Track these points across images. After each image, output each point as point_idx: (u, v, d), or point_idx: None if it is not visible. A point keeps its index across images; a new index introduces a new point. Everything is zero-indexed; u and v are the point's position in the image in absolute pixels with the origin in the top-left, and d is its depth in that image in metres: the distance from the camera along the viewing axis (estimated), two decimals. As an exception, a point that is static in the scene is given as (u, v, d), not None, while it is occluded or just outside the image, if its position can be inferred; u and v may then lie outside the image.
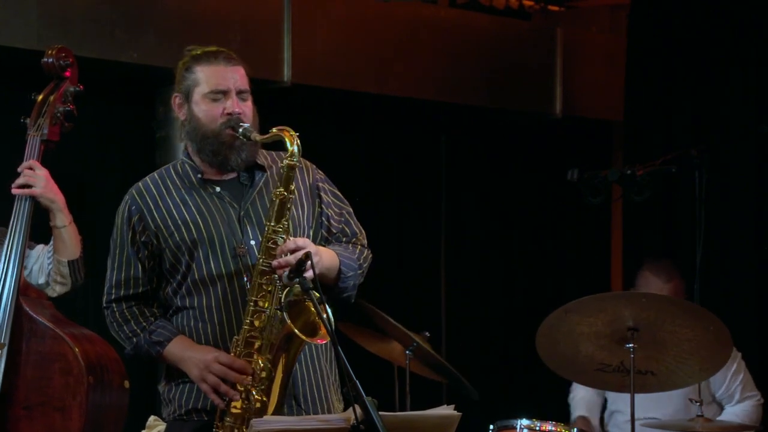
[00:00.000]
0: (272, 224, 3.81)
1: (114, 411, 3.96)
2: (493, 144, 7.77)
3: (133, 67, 6.14)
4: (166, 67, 6.33)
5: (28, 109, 4.25)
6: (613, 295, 5.40)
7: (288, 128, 3.84)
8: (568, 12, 7.99)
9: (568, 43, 7.74)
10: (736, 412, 5.74)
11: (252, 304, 3.79)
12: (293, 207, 3.88)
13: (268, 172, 4.01)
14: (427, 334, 5.47)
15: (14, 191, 4.10)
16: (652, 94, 7.33)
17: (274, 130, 3.85)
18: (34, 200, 4.11)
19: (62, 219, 4.19)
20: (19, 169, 4.16)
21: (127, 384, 3.99)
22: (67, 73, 4.22)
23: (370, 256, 4.10)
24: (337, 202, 4.09)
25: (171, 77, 6.39)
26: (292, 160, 3.82)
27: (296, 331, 3.70)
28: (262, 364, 3.78)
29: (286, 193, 3.82)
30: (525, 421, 5.09)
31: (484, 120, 7.69)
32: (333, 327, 3.63)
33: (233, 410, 3.78)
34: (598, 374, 5.07)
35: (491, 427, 5.12)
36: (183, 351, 3.87)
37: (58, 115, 4.17)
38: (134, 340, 3.93)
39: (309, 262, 3.67)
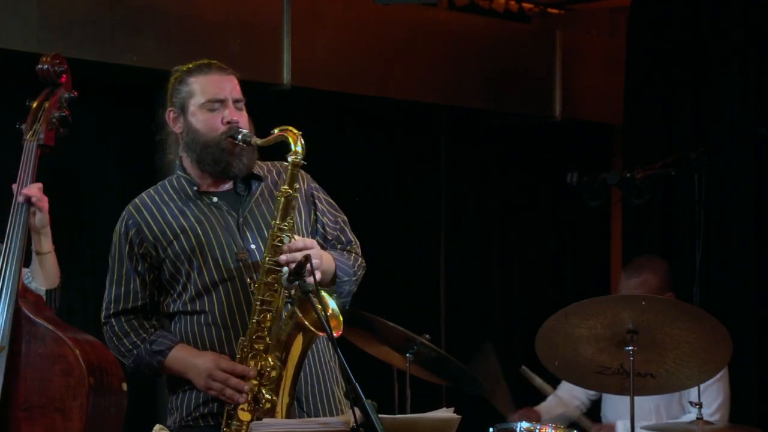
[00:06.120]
0: (278, 222, 3.82)
1: (113, 413, 3.96)
2: (493, 147, 7.77)
3: (132, 70, 6.14)
4: (166, 70, 6.34)
5: (26, 112, 4.25)
6: (612, 297, 5.39)
7: (291, 128, 3.85)
8: (567, 15, 7.99)
9: (567, 46, 7.74)
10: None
11: (258, 303, 3.79)
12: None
13: (264, 182, 4.02)
14: (427, 336, 5.47)
15: (20, 200, 4.07)
16: (651, 97, 7.32)
17: (276, 131, 3.86)
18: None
19: (48, 245, 4.15)
20: (26, 191, 4.09)
21: (125, 386, 3.99)
22: (62, 80, 4.22)
23: (364, 264, 4.11)
24: (332, 211, 4.11)
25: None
26: (297, 158, 3.83)
27: (307, 323, 3.70)
28: (272, 363, 3.78)
29: (291, 191, 3.83)
30: (525, 424, 5.08)
31: (484, 123, 7.69)
32: (340, 320, 3.67)
33: (240, 414, 3.78)
34: (597, 377, 5.07)
35: (491, 429, 5.11)
36: (184, 360, 3.88)
37: (54, 120, 4.17)
38: (135, 352, 3.95)
39: (309, 265, 3.68)
